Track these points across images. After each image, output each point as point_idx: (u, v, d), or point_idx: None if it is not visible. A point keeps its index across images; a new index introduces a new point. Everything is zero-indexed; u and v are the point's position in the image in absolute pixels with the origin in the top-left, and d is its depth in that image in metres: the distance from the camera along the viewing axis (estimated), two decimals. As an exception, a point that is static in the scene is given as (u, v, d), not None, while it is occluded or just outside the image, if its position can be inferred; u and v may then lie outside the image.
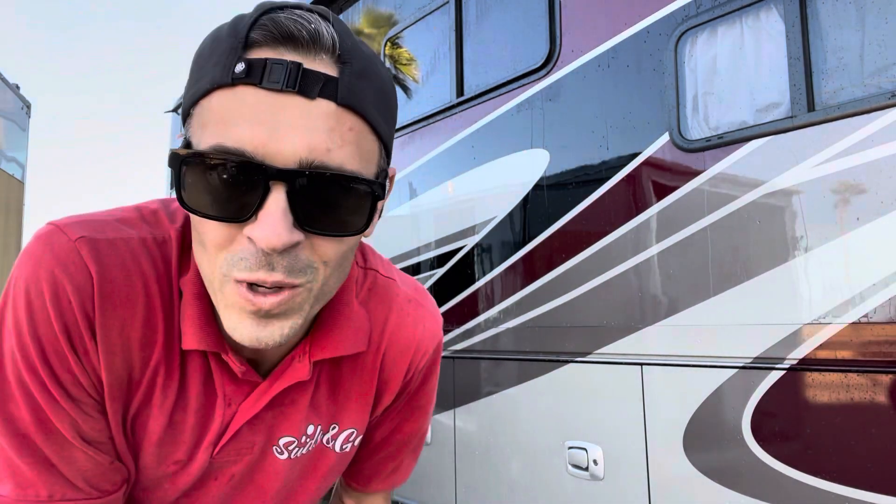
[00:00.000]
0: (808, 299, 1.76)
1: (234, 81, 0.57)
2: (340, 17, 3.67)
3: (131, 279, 0.67)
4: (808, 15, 1.80)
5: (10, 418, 0.66)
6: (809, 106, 1.78)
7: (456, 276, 2.86)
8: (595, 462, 2.23)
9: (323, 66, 0.59)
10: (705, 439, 1.95)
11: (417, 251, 3.11)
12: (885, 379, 1.62)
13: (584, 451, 2.27)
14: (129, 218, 0.72)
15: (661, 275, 2.09)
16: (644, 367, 2.12)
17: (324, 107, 0.58)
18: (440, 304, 2.94)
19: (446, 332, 2.90)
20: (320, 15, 0.61)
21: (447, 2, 3.02)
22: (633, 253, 2.16)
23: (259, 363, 0.75)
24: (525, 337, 2.52)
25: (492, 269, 2.70)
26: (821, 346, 1.72)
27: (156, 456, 0.73)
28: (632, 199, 2.19)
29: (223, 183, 0.58)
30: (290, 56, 0.58)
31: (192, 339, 0.68)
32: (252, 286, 0.60)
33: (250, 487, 0.81)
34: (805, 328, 1.75)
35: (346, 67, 0.60)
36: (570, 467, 2.32)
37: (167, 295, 0.69)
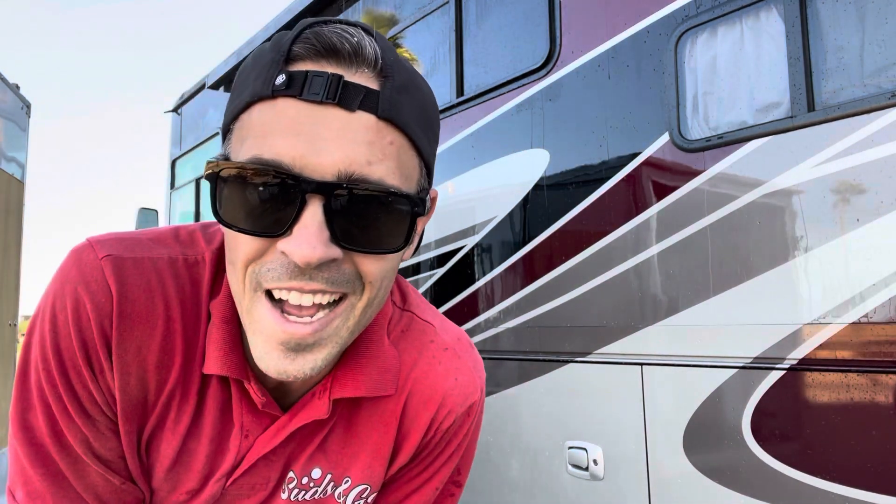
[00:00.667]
0: (808, 299, 1.76)
1: (275, 93, 0.56)
2: (340, 17, 3.67)
3: (153, 300, 0.65)
4: (808, 15, 1.80)
5: (29, 427, 0.66)
6: (809, 106, 1.78)
7: (456, 276, 2.86)
8: (595, 462, 2.23)
9: (364, 79, 0.58)
10: (705, 439, 1.95)
11: (417, 251, 3.11)
12: (885, 379, 1.62)
13: (584, 451, 2.27)
14: (163, 238, 0.70)
15: (661, 275, 2.09)
16: (644, 367, 2.12)
17: (364, 119, 0.56)
18: (440, 305, 2.93)
19: (446, 332, 2.89)
20: (364, 30, 0.60)
21: (447, 2, 3.02)
22: (633, 253, 2.16)
23: (284, 394, 0.71)
24: (525, 337, 2.52)
25: (492, 269, 2.70)
26: (821, 346, 1.72)
27: (167, 482, 0.71)
28: (632, 199, 2.19)
29: (259, 196, 0.56)
30: (331, 69, 0.57)
31: (214, 363, 0.66)
32: (285, 312, 0.58)
33: None
34: (805, 328, 1.75)
35: (388, 81, 0.58)
36: (570, 467, 2.32)
37: (192, 317, 0.67)
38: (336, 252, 0.57)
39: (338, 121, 0.56)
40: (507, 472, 2.58)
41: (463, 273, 2.83)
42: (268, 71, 0.57)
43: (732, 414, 1.88)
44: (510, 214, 2.63)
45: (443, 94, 3.00)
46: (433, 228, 3.02)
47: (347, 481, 0.77)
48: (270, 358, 0.59)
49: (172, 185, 5.64)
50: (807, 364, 1.74)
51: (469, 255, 2.81)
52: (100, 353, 0.64)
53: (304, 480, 0.75)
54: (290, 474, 0.75)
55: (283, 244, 0.57)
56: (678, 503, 2.01)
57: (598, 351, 2.25)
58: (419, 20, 3.18)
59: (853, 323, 1.66)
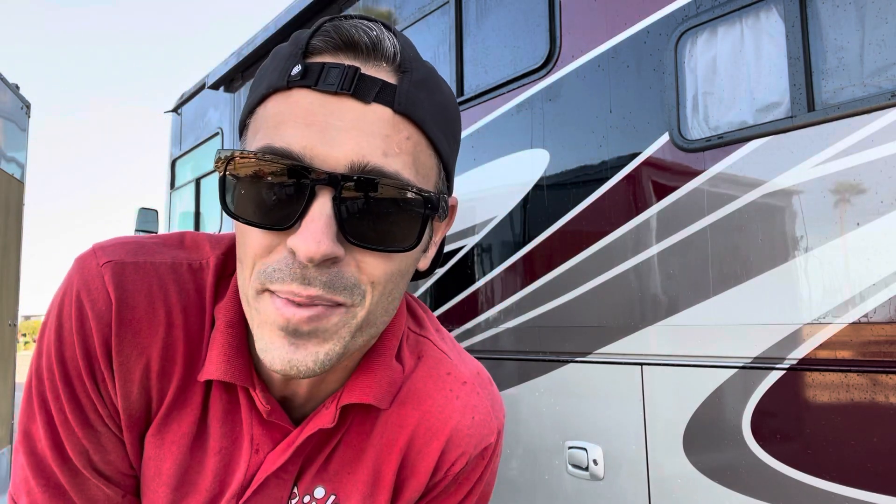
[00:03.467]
0: (808, 299, 1.76)
1: (290, 84, 0.56)
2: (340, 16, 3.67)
3: (153, 306, 0.64)
4: (808, 15, 1.80)
5: (31, 437, 0.65)
6: (809, 106, 1.78)
7: (456, 276, 2.86)
8: (595, 462, 2.23)
9: (382, 73, 0.57)
10: (705, 439, 1.95)
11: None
12: (885, 379, 1.62)
13: (584, 451, 2.27)
14: (169, 242, 0.69)
15: (661, 275, 2.09)
16: (644, 367, 2.12)
17: (380, 112, 0.55)
18: (440, 305, 2.94)
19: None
20: (384, 25, 0.59)
21: (447, 2, 3.02)
22: (633, 253, 2.16)
23: (292, 408, 0.69)
24: (525, 337, 2.52)
25: (492, 269, 2.70)
26: (821, 346, 1.72)
27: (171, 500, 0.68)
28: (632, 199, 2.19)
29: (268, 187, 0.55)
30: (349, 62, 0.56)
31: (216, 368, 0.63)
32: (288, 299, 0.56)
33: None
34: (805, 328, 1.75)
35: (406, 76, 0.58)
36: (570, 467, 2.32)
37: (196, 324, 0.65)
38: (340, 250, 0.54)
39: (352, 112, 0.55)
40: (507, 472, 2.58)
41: (463, 273, 2.83)
42: (285, 63, 0.57)
43: (732, 414, 1.88)
44: (510, 214, 2.63)
45: (443, 94, 3.01)
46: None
47: (332, 497, 0.72)
48: (276, 347, 0.56)
49: (172, 186, 5.64)
50: (807, 364, 1.74)
51: (469, 255, 2.81)
52: (101, 361, 0.63)
53: (307, 499, 0.72)
54: (294, 490, 0.71)
55: (291, 240, 0.55)
56: (678, 503, 2.01)
57: (598, 351, 2.25)
58: (419, 20, 3.17)
59: (853, 323, 1.66)
